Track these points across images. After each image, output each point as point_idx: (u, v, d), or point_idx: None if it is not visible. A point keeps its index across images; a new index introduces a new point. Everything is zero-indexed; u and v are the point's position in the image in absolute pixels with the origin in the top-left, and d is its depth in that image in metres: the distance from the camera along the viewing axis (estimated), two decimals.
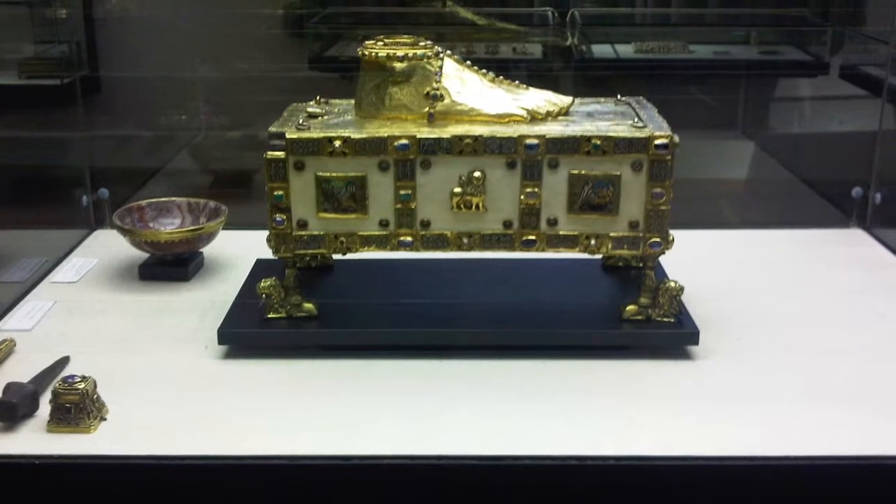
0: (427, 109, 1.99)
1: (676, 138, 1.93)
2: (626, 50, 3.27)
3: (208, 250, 2.50)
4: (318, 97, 2.14)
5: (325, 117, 2.04)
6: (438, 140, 1.93)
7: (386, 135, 1.93)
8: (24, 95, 3.03)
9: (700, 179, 3.13)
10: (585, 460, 1.70)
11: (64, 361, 2.01)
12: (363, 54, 2.02)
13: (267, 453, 1.71)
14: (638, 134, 1.93)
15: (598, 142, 1.92)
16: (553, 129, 1.96)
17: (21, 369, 1.95)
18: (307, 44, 3.21)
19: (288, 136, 1.93)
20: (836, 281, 2.43)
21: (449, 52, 2.06)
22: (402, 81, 2.00)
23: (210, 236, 2.43)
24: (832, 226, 2.86)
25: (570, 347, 2.04)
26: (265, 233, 2.02)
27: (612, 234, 1.98)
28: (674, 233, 2.00)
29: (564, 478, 1.71)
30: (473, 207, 1.96)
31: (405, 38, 2.06)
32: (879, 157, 2.86)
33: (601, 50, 3.28)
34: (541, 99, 2.05)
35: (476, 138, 1.93)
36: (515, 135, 1.93)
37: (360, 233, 1.99)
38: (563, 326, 2.07)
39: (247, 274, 2.31)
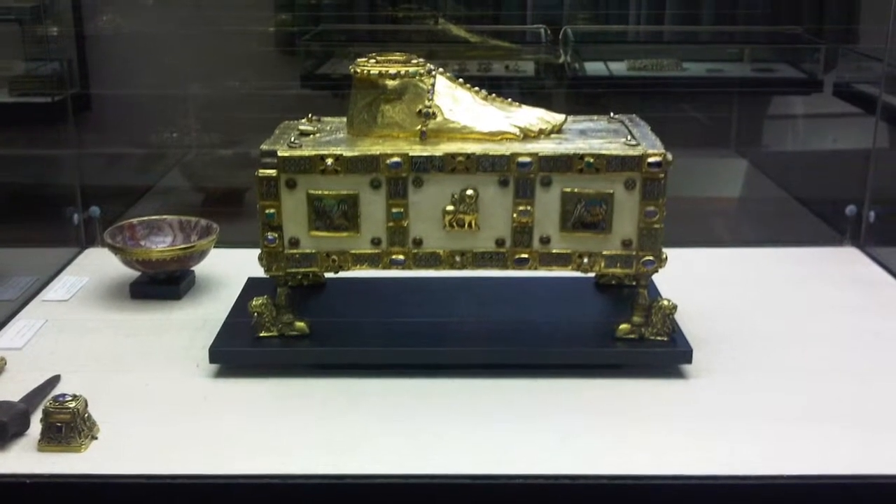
0: (419, 127, 1.99)
1: (670, 156, 1.92)
2: (619, 67, 3.27)
3: (200, 268, 2.49)
4: (309, 115, 2.13)
5: (317, 135, 2.04)
6: (431, 158, 1.93)
7: (378, 153, 1.93)
8: (14, 113, 3.03)
9: (693, 197, 3.13)
10: (578, 479, 1.69)
11: (55, 380, 2.00)
12: (355, 72, 2.01)
13: (259, 472, 1.70)
14: (631, 152, 1.92)
15: (591, 160, 1.92)
16: (546, 146, 1.96)
17: (12, 388, 1.94)
18: (299, 61, 3.21)
19: (280, 153, 1.93)
20: (831, 299, 2.43)
21: (441, 69, 2.06)
22: (394, 99, 2.00)
23: (201, 254, 2.42)
24: (826, 244, 2.85)
25: (562, 366, 2.03)
26: (257, 251, 2.01)
27: (604, 253, 1.98)
28: (667, 251, 1.99)
29: (557, 497, 1.70)
30: (466, 226, 1.95)
31: (397, 56, 2.06)
32: (873, 175, 2.86)
33: (594, 67, 3.28)
34: (533, 117, 2.05)
35: (468, 156, 1.92)
36: (508, 153, 1.93)
37: (352, 251, 1.99)
38: (556, 345, 2.06)
39: (238, 292, 2.30)
